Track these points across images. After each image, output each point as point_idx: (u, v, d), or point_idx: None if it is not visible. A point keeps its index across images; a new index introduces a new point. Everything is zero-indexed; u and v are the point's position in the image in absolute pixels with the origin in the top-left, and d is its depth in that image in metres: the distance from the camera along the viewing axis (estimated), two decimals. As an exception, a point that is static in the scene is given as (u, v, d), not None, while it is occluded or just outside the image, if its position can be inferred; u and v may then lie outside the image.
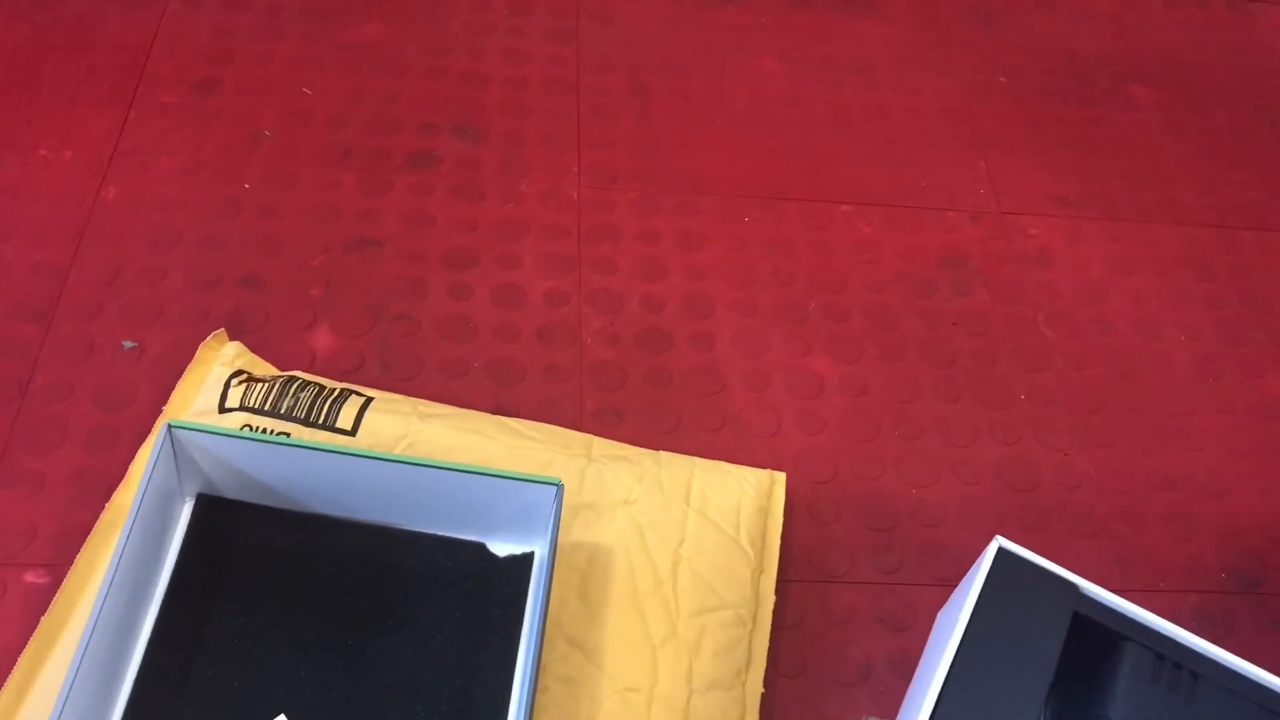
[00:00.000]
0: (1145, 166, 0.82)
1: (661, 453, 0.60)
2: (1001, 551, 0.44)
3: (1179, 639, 0.43)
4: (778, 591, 0.58)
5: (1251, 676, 0.43)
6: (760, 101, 0.82)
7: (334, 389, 0.58)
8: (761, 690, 0.53)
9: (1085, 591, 0.44)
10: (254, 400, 0.56)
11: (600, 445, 0.60)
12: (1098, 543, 0.63)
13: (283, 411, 0.56)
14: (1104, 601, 0.44)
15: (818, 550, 0.61)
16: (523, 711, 0.46)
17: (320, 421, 0.56)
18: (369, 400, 0.58)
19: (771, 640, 0.56)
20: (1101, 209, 0.79)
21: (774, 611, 0.57)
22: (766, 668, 0.55)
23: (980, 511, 0.63)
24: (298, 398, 0.57)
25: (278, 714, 0.48)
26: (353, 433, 0.56)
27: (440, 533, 0.54)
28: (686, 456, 0.60)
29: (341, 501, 0.53)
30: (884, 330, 0.70)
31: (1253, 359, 0.72)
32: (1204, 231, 0.79)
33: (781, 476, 0.61)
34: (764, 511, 0.59)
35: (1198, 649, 0.44)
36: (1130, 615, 0.44)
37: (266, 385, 0.57)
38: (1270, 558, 0.63)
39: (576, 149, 0.77)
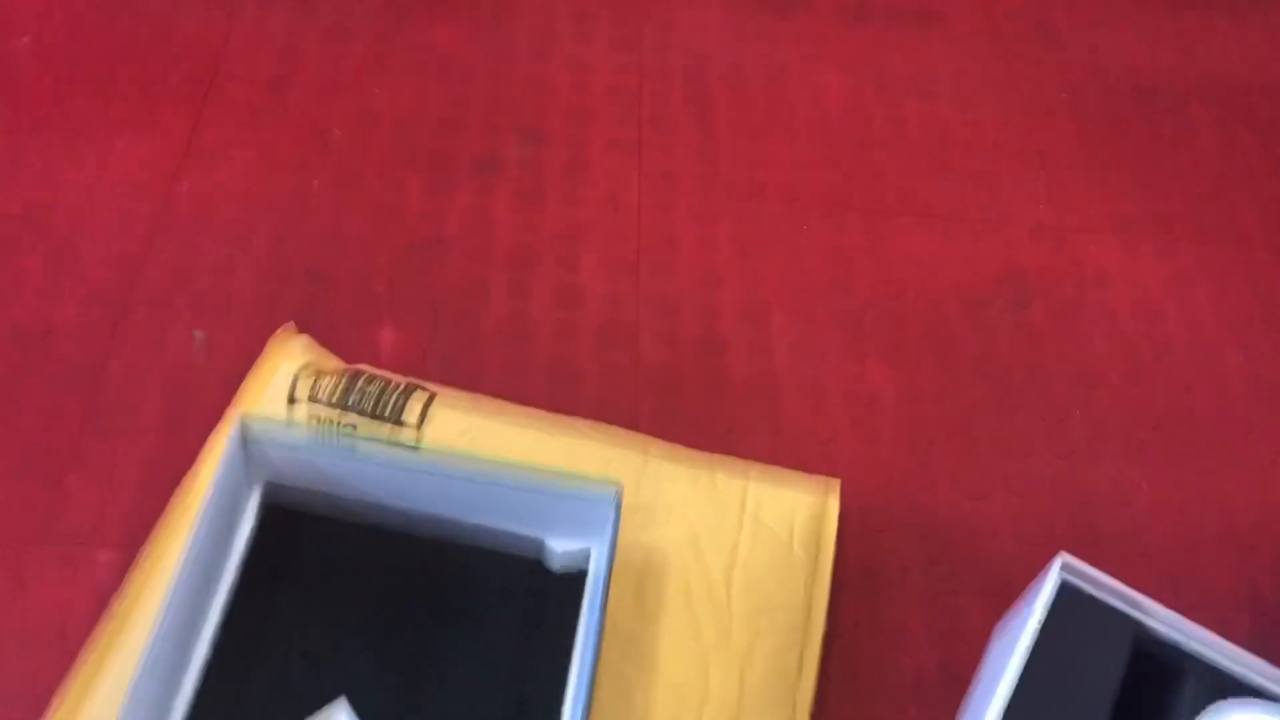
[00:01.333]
0: (1206, 188, 0.82)
1: (717, 456, 0.61)
2: (1066, 567, 0.44)
3: (1239, 673, 0.43)
4: (830, 599, 0.58)
5: None
6: (820, 113, 0.82)
7: (399, 383, 0.59)
8: (813, 694, 0.54)
9: (1147, 625, 0.44)
10: (322, 393, 0.58)
11: (657, 446, 0.60)
12: (1151, 562, 0.62)
13: (350, 404, 0.57)
14: (1167, 635, 0.44)
15: (870, 558, 0.61)
16: (580, 712, 0.46)
17: (386, 415, 0.57)
18: (433, 396, 0.59)
19: (823, 647, 0.56)
20: (1161, 229, 0.79)
21: (826, 618, 0.57)
22: (818, 674, 0.55)
23: (1033, 526, 0.63)
24: (364, 391, 0.58)
25: (338, 696, 0.49)
26: (418, 426, 0.57)
27: (501, 527, 0.55)
28: (742, 461, 0.61)
29: (406, 496, 0.54)
30: (940, 342, 0.70)
31: (1312, 383, 0.71)
32: (1265, 254, 0.78)
33: (836, 484, 0.61)
34: (818, 519, 0.59)
35: (1264, 678, 0.43)
36: (1193, 648, 0.43)
37: (334, 378, 0.59)
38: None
39: (638, 155, 0.77)
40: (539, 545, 0.55)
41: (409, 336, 0.66)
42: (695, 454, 0.61)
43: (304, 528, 0.54)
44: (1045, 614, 0.43)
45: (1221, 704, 0.41)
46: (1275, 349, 0.73)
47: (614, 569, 0.55)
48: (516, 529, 0.54)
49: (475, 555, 0.54)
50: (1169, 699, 0.42)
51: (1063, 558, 0.44)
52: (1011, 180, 0.80)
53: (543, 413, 0.61)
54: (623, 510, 0.56)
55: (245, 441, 0.52)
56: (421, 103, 0.78)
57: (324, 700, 0.49)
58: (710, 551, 0.56)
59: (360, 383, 0.58)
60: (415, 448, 0.56)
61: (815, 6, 0.88)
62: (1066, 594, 0.44)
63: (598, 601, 0.49)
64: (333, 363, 0.61)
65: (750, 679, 0.53)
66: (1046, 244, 0.77)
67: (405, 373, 0.64)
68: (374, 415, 0.57)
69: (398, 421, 0.57)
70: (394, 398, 0.58)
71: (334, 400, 0.57)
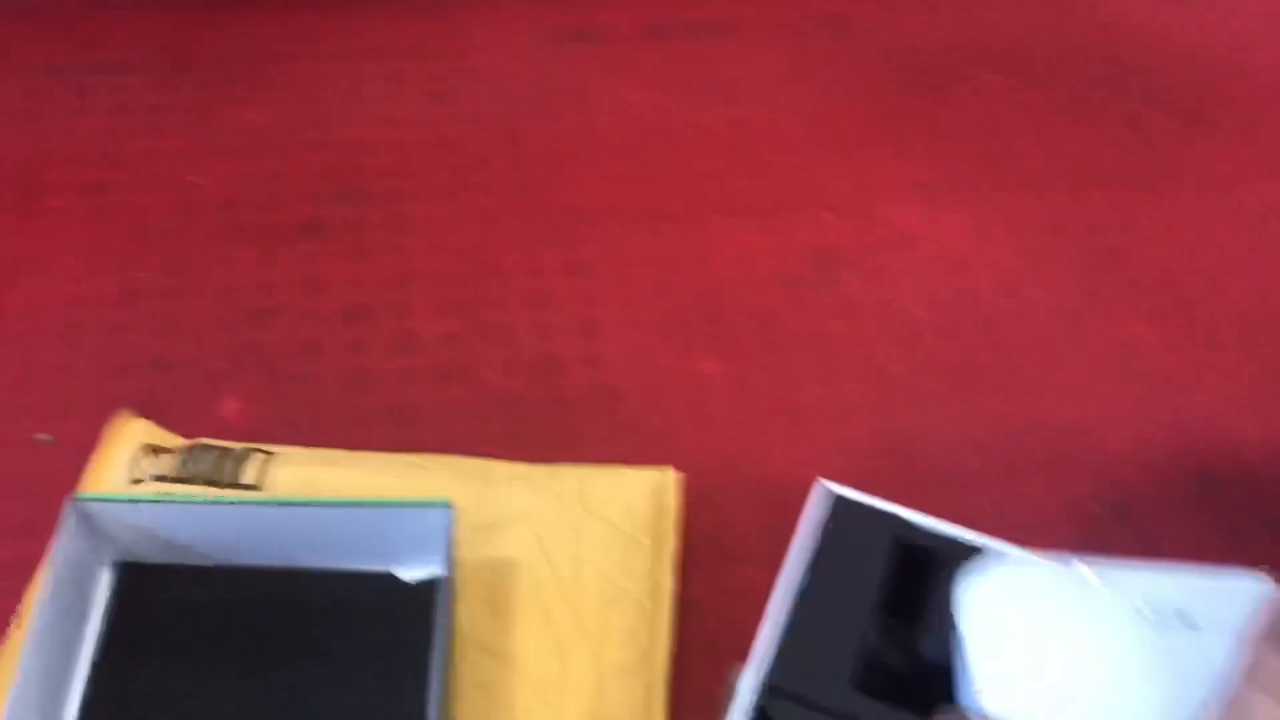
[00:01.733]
0: (997, 143, 0.87)
1: (558, 466, 0.64)
2: (825, 492, 0.48)
3: (999, 548, 0.47)
4: (681, 577, 0.61)
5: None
6: (630, 131, 0.87)
7: (238, 449, 0.62)
8: (668, 667, 0.57)
9: (907, 519, 0.48)
10: (162, 468, 0.60)
11: (499, 467, 0.63)
12: (978, 495, 0.67)
13: (190, 476, 0.59)
14: (924, 525, 0.48)
15: (715, 535, 0.64)
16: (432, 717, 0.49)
17: (224, 480, 0.59)
18: (271, 455, 0.61)
19: (677, 621, 0.59)
20: (958, 188, 0.84)
21: (677, 595, 0.60)
22: (673, 646, 0.58)
23: (865, 482, 0.66)
24: (203, 460, 0.60)
25: (208, 753, 0.51)
26: (258, 487, 0.59)
27: (349, 566, 0.57)
28: (581, 466, 0.64)
29: (253, 550, 0.56)
30: (763, 326, 0.74)
31: (1111, 307, 0.76)
32: (1055, 195, 0.84)
33: (672, 471, 0.65)
34: (658, 506, 0.62)
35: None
36: (950, 534, 0.47)
37: (174, 454, 0.61)
38: (1138, 484, 0.67)
39: (458, 199, 0.81)
40: (389, 579, 0.57)
41: (251, 405, 0.68)
42: (535, 467, 0.64)
43: (158, 592, 0.55)
44: (808, 531, 0.47)
45: (971, 566, 0.45)
46: (1071, 281, 0.78)
47: (465, 585, 0.58)
48: (365, 566, 0.57)
49: (329, 579, 0.56)
50: (931, 582, 0.46)
51: (823, 484, 0.48)
52: (817, 167, 0.85)
53: (385, 454, 0.64)
54: (470, 531, 0.59)
55: (85, 522, 0.54)
56: (241, 182, 0.81)
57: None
58: (557, 553, 0.59)
59: (197, 452, 0.61)
60: (252, 490, 0.58)
61: (614, 30, 0.93)
62: (830, 507, 0.48)
63: (443, 621, 0.52)
64: (173, 440, 0.63)
65: (607, 663, 0.56)
66: (854, 219, 0.81)
67: (249, 440, 0.66)
68: (214, 483, 0.59)
69: (237, 485, 0.59)
70: (230, 462, 0.60)
71: (174, 475, 0.59)
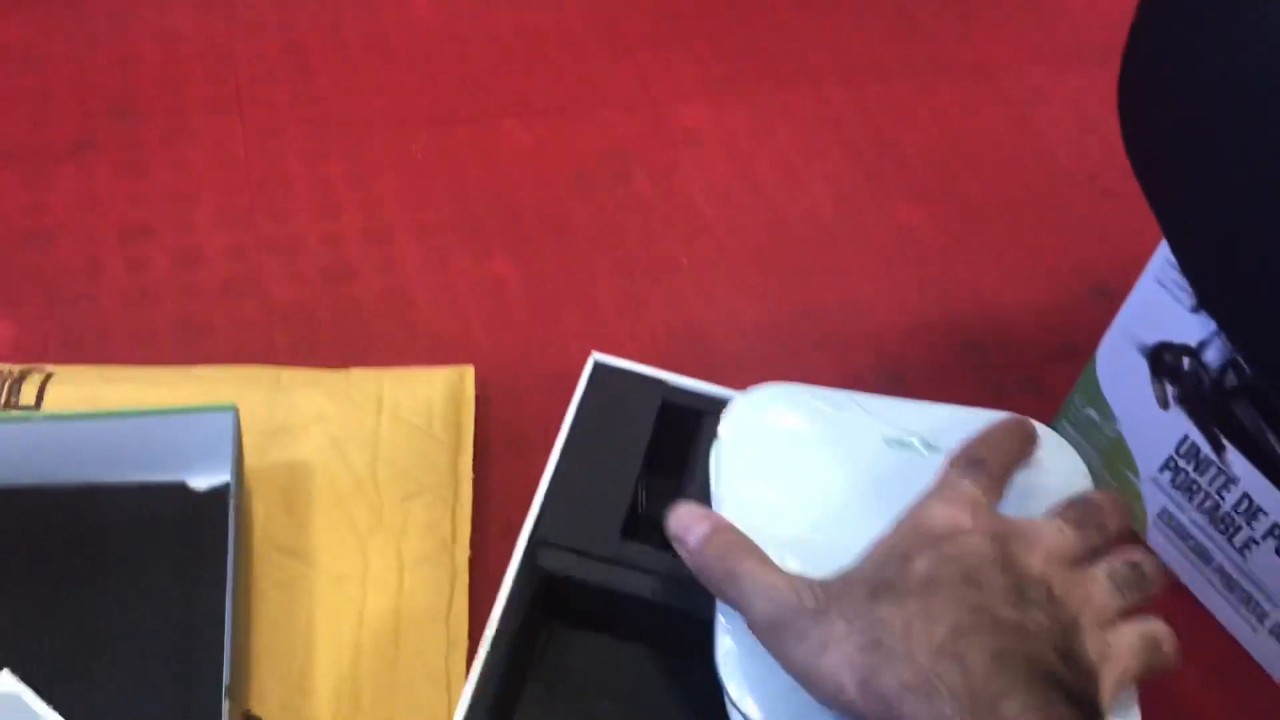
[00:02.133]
0: (780, 41, 0.90)
1: (352, 370, 0.64)
2: (597, 365, 0.50)
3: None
4: (481, 468, 0.63)
5: None
6: (417, 38, 0.86)
7: (12, 370, 0.60)
8: (469, 555, 0.58)
9: (672, 383, 0.50)
10: (-69, 396, 0.58)
11: (289, 374, 0.63)
12: (764, 374, 0.69)
13: (-38, 400, 0.57)
14: (689, 388, 0.50)
15: (515, 427, 0.66)
16: (227, 626, 0.49)
17: (3, 404, 0.58)
18: (50, 375, 0.60)
19: (478, 511, 0.61)
20: (743, 84, 0.86)
21: (477, 486, 0.61)
22: (475, 533, 0.60)
23: (655, 363, 0.69)
24: (-24, 385, 0.58)
25: (0, 671, 0.50)
26: (36, 407, 0.58)
27: (139, 479, 0.56)
28: (376, 369, 0.65)
29: (37, 470, 0.55)
30: (555, 225, 0.76)
31: (886, 192, 0.80)
32: (834, 89, 0.87)
33: (469, 369, 0.66)
34: (456, 401, 0.63)
35: None
36: (714, 394, 0.50)
37: (-58, 380, 0.58)
38: (912, 356, 0.72)
39: (239, 112, 0.79)
40: (181, 489, 0.57)
41: (26, 328, 0.66)
42: (328, 372, 0.64)
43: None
44: (579, 400, 0.49)
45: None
46: (849, 170, 0.81)
47: (260, 488, 0.58)
48: (153, 478, 0.56)
49: (119, 494, 0.55)
50: (695, 438, 0.49)
51: (595, 357, 0.51)
52: (605, 68, 0.86)
53: (170, 368, 0.63)
54: (261, 436, 0.59)
55: None
56: (5, 100, 0.77)
57: (-18, 676, 0.50)
58: (353, 452, 0.60)
59: (-29, 377, 0.59)
60: (29, 414, 0.56)
61: (397, -61, 0.91)
62: (601, 376, 0.50)
63: (235, 525, 0.52)
64: (-58, 366, 0.61)
65: (408, 554, 0.57)
66: (642, 119, 0.83)
67: (26, 362, 0.64)
68: (-11, 404, 0.57)
69: (16, 407, 0.58)
70: (7, 386, 0.58)
71: (-55, 399, 0.57)
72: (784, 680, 0.39)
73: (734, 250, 0.76)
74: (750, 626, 0.41)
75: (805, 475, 0.45)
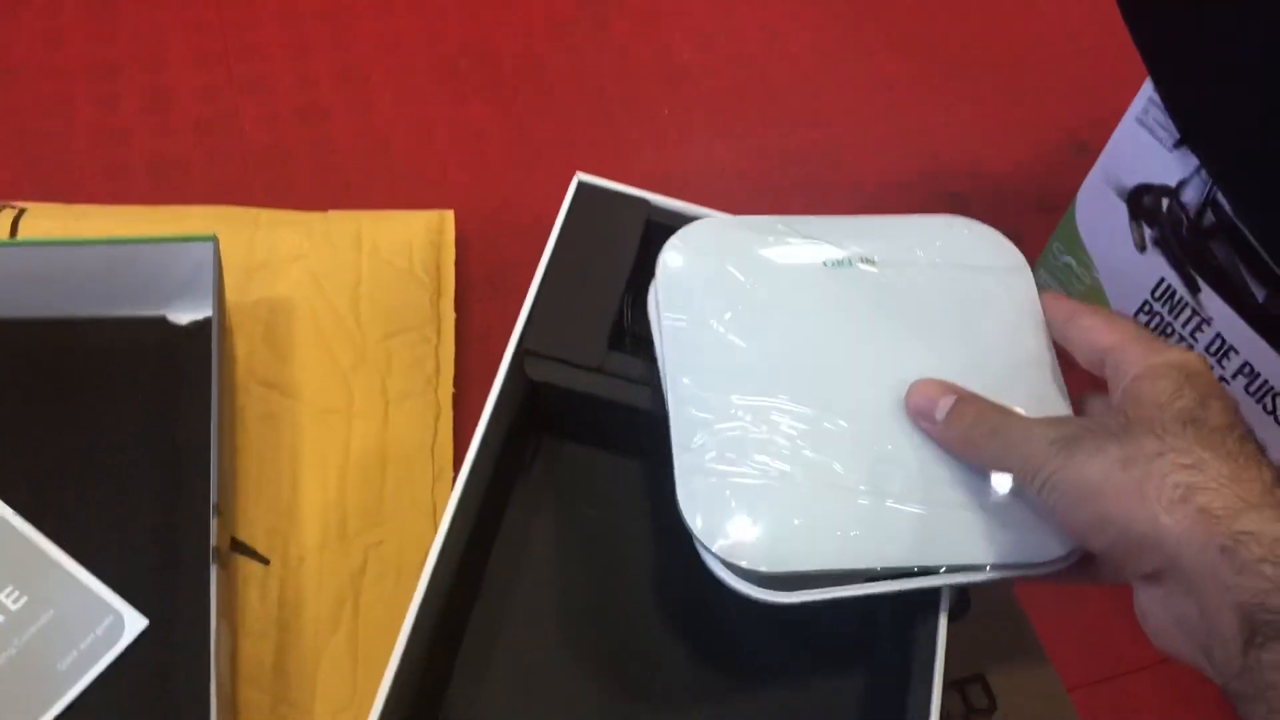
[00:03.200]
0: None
1: (330, 211, 0.64)
2: (581, 185, 0.50)
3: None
4: (463, 311, 0.63)
5: None
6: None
7: (-15, 205, 0.59)
8: (453, 391, 0.59)
9: (656, 203, 0.50)
10: (-99, 227, 0.56)
11: (268, 214, 0.62)
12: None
13: (-66, 233, 0.57)
14: (673, 208, 0.50)
15: (495, 271, 0.66)
16: (213, 449, 0.49)
17: (-26, 236, 0.57)
18: (22, 211, 0.59)
19: (461, 352, 0.61)
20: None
21: (460, 328, 0.62)
22: (458, 374, 0.60)
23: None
24: (-53, 218, 0.57)
25: (-16, 496, 0.50)
26: (10, 239, 0.57)
27: (120, 313, 0.56)
28: (354, 211, 0.64)
29: (15, 301, 0.54)
30: (532, 70, 0.74)
31: (868, 45, 0.79)
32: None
33: (449, 213, 0.65)
34: (436, 245, 0.63)
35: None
36: (697, 214, 0.50)
37: (-88, 212, 0.57)
38: (889, 203, 0.72)
39: (207, -51, 0.76)
40: (161, 322, 0.56)
41: (-5, 165, 0.65)
42: (306, 213, 0.63)
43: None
44: (564, 219, 0.49)
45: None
46: (833, 19, 0.80)
47: (242, 323, 0.58)
48: (134, 312, 0.56)
49: (101, 327, 0.55)
50: None
51: (579, 177, 0.50)
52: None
53: (145, 206, 0.62)
54: (241, 273, 0.59)
55: None
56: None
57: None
58: (333, 290, 0.59)
59: (-58, 211, 0.58)
60: (3, 241, 0.55)
61: None
62: (586, 194, 0.50)
63: (218, 357, 0.52)
64: (-90, 200, 0.60)
65: (393, 390, 0.57)
66: (623, -37, 0.81)
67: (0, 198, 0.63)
68: (-38, 236, 0.56)
69: (-11, 237, 0.57)
70: (-19, 217, 0.57)
71: (-84, 231, 0.56)
72: (745, 517, 0.40)
73: (714, 97, 0.75)
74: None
75: (750, 307, 0.44)
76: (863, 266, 0.46)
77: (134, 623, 0.49)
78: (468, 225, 0.67)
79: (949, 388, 0.43)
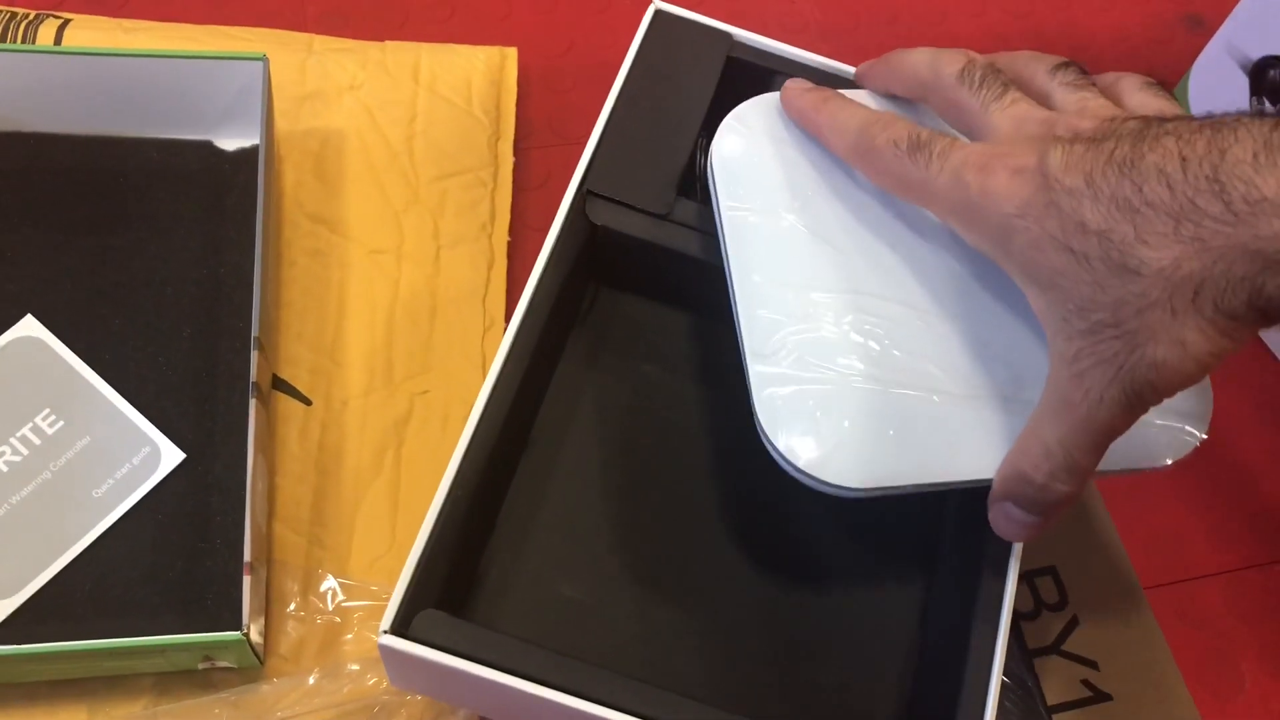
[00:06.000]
0: None
1: (387, 42, 0.60)
2: (658, 13, 0.46)
3: (828, 68, 0.47)
4: (522, 156, 0.59)
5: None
6: None
7: (28, 14, 0.56)
8: (508, 239, 0.56)
9: (739, 38, 0.46)
10: (-60, 31, 0.54)
11: (321, 41, 0.59)
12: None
13: (-26, 39, 0.54)
14: (757, 44, 0.46)
15: (557, 117, 0.62)
16: (256, 281, 0.47)
17: (16, 45, 0.54)
18: (67, 21, 0.56)
19: (517, 199, 0.58)
20: None
21: (518, 174, 0.58)
22: (514, 222, 0.57)
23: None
24: (-12, 24, 0.54)
25: (23, 315, 0.49)
26: (56, 46, 0.54)
27: (165, 135, 0.53)
28: (412, 43, 0.60)
29: (58, 114, 0.52)
30: (609, -94, 0.69)
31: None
32: None
33: (512, 51, 0.61)
34: (497, 84, 0.60)
35: (846, 74, 0.47)
36: (783, 54, 0.46)
37: (-48, 17, 0.55)
38: (984, 69, 0.67)
39: None
40: (207, 146, 0.54)
41: (41, -26, 0.61)
42: (362, 42, 0.60)
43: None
44: (637, 49, 0.45)
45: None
46: None
47: (291, 154, 0.55)
48: (179, 134, 0.53)
49: (144, 147, 0.52)
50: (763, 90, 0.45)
51: (656, 5, 0.46)
52: None
53: (196, 25, 0.59)
54: (292, 101, 0.56)
55: None
56: None
57: (5, 316, 0.48)
58: (387, 124, 0.56)
59: (-17, 17, 0.55)
60: (48, 47, 0.53)
61: None
62: (663, 24, 0.46)
63: (265, 186, 0.49)
64: (-49, 4, 0.57)
65: (445, 233, 0.54)
66: None
67: (42, 7, 0.60)
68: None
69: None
70: (23, 27, 0.55)
71: (-44, 37, 0.54)
72: (832, 431, 0.36)
73: (802, -53, 0.70)
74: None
75: (822, 193, 0.40)
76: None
77: (170, 455, 0.47)
78: (531, 65, 0.63)
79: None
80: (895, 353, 0.37)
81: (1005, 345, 0.38)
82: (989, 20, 0.69)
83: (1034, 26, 0.69)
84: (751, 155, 0.41)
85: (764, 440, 0.37)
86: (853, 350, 0.37)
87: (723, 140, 0.42)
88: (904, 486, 0.36)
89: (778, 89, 0.42)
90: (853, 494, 0.36)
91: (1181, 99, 0.58)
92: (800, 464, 0.36)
